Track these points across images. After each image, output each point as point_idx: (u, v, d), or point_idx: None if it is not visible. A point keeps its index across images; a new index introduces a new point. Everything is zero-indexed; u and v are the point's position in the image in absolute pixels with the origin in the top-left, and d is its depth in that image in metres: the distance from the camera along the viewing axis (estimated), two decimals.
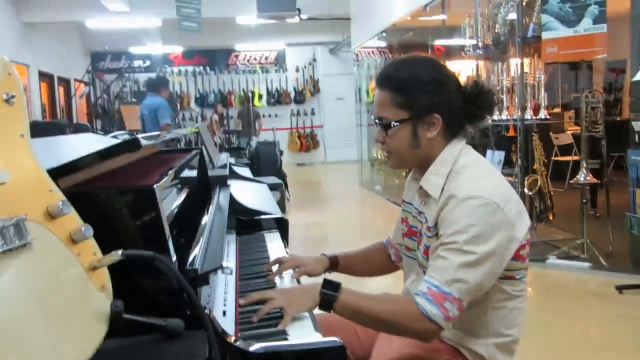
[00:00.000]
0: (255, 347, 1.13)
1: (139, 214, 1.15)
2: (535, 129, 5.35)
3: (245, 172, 4.46)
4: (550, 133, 7.63)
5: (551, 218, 5.08)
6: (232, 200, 2.43)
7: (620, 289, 3.94)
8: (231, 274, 1.75)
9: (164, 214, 1.17)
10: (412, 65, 1.52)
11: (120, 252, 0.91)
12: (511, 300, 1.50)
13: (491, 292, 1.45)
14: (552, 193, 5.14)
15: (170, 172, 1.43)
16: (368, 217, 7.68)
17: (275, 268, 1.76)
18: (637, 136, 4.31)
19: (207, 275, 1.26)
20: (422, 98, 1.46)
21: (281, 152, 8.47)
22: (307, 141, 13.18)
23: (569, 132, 7.85)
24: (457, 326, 1.46)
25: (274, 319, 1.35)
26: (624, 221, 4.49)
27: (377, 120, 1.52)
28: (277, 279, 1.72)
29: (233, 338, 1.14)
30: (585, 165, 4.64)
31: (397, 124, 1.48)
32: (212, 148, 3.15)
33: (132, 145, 1.30)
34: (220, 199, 2.14)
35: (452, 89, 1.50)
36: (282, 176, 7.78)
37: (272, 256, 2.05)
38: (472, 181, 1.43)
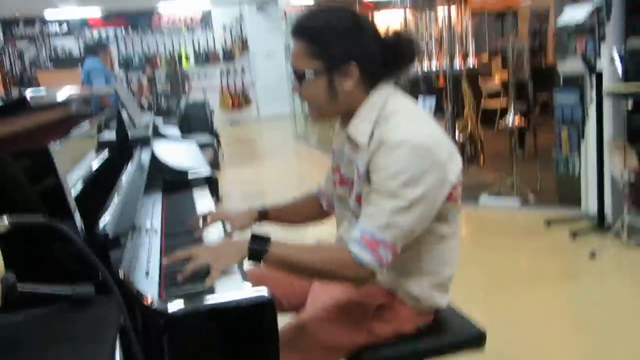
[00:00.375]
0: (174, 307, 1.06)
1: (37, 178, 1.05)
2: (464, 76, 5.38)
3: (174, 131, 4.32)
4: (479, 80, 7.74)
5: (481, 162, 5.16)
6: (157, 161, 2.32)
7: (548, 223, 4.07)
8: (155, 234, 1.66)
9: (63, 176, 1.06)
10: (325, 14, 1.45)
11: (5, 219, 0.81)
12: (444, 240, 1.49)
13: (424, 234, 1.42)
14: (482, 138, 5.21)
15: (73, 132, 1.31)
16: (304, 169, 7.64)
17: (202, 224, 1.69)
18: (561, 79, 4.39)
19: (118, 237, 1.16)
20: (336, 47, 1.40)
21: (212, 112, 8.24)
22: (239, 99, 12.86)
23: (496, 78, 8.00)
24: (391, 269, 1.43)
25: (202, 276, 1.27)
26: (549, 160, 4.63)
27: (293, 72, 1.46)
28: (205, 236, 1.65)
29: (150, 300, 1.06)
30: (513, 109, 4.71)
31: (312, 74, 1.42)
32: (134, 108, 2.99)
33: (18, 105, 1.16)
34: (140, 159, 2.02)
35: (369, 36, 1.44)
36: (215, 135, 7.60)
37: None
38: (402, 126, 1.38)
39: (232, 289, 1.21)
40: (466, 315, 1.62)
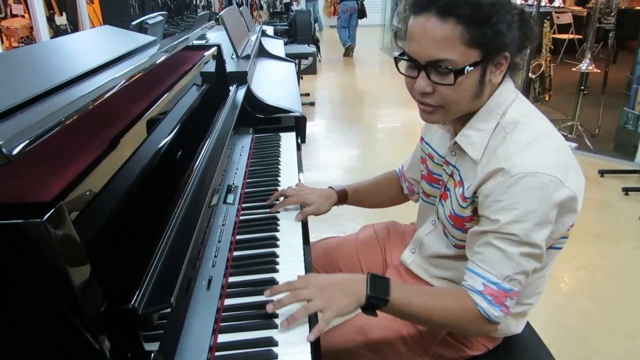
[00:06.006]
0: None
1: None
2: (547, 16, 4.38)
3: (278, 45, 3.76)
4: (553, 12, 6.46)
5: (547, 99, 4.32)
6: (251, 97, 1.86)
7: (602, 173, 3.37)
8: (233, 203, 1.26)
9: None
10: None
11: None
12: (540, 270, 0.99)
13: None
14: (552, 76, 4.32)
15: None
16: (385, 81, 6.89)
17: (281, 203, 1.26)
18: None
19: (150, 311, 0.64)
20: (500, 32, 0.82)
21: (315, 19, 7.49)
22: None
23: (569, 11, 6.67)
24: None
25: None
26: (615, 102, 3.77)
27: (439, 65, 0.83)
28: (280, 215, 1.23)
29: None
30: (589, 55, 3.78)
31: (471, 68, 0.83)
32: (239, 33, 2.47)
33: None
34: (234, 100, 1.55)
35: (516, 17, 0.85)
36: (315, 41, 6.94)
37: (284, 167, 1.56)
38: (527, 149, 0.85)
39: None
40: (540, 339, 1.17)
